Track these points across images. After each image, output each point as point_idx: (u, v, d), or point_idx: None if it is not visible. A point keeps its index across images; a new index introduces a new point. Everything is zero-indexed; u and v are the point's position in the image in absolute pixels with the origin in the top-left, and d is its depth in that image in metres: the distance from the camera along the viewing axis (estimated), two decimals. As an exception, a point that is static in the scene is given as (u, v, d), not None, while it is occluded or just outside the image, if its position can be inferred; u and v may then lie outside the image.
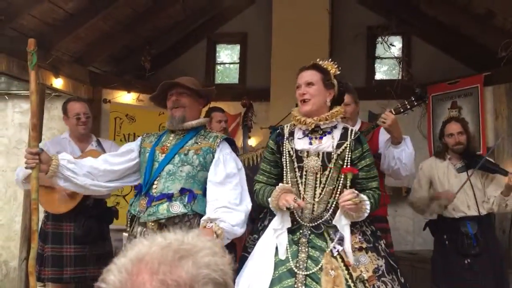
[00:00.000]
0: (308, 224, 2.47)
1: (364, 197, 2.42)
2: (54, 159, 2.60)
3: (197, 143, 2.66)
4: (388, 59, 6.33)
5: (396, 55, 6.10)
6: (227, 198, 2.47)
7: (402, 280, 2.50)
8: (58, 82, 5.13)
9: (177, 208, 2.51)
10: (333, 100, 2.60)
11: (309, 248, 2.41)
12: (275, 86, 5.61)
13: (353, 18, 6.15)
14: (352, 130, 2.56)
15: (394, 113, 2.96)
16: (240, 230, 2.48)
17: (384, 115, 2.96)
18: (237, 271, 2.54)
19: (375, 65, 6.34)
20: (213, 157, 2.60)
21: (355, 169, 2.45)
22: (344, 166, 2.48)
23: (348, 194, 2.31)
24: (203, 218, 2.44)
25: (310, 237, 2.44)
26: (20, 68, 4.51)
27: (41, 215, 3.62)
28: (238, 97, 5.45)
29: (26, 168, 2.62)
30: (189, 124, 2.69)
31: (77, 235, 3.55)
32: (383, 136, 3.13)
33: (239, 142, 4.58)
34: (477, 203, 3.56)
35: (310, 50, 5.23)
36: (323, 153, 2.50)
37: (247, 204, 2.55)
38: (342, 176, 2.47)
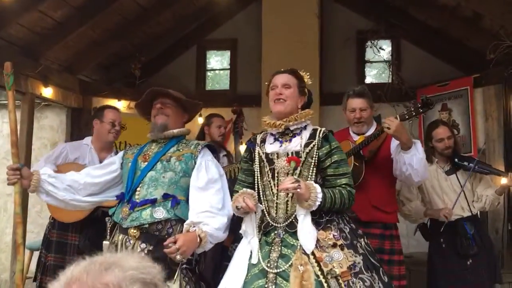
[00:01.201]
0: (282, 224, 2.49)
1: (314, 185, 2.41)
2: (35, 174, 2.64)
3: (178, 150, 2.68)
4: (378, 63, 6.36)
5: (385, 59, 6.14)
6: (209, 202, 2.49)
7: (385, 279, 2.48)
8: (47, 91, 5.10)
9: (161, 213, 2.51)
10: (302, 107, 2.67)
11: (282, 247, 2.43)
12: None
13: (342, 22, 6.18)
14: (320, 130, 2.59)
15: (399, 119, 2.95)
16: (223, 234, 2.51)
17: (388, 121, 2.95)
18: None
19: (365, 69, 6.37)
20: (195, 163, 2.61)
21: (299, 159, 2.49)
22: (313, 164, 2.50)
23: (287, 181, 2.33)
24: (186, 222, 2.44)
25: (284, 236, 2.46)
26: (9, 78, 4.46)
27: (47, 222, 3.62)
28: (229, 103, 5.43)
29: (8, 184, 2.66)
30: (170, 133, 2.71)
31: (82, 247, 3.49)
32: (395, 141, 3.09)
33: (230, 149, 4.57)
34: (468, 204, 3.59)
35: (300, 55, 5.26)
36: (292, 152, 2.53)
37: (229, 209, 2.57)
38: (311, 174, 2.49)
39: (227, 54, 6.79)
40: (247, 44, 6.35)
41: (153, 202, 2.53)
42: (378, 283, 2.40)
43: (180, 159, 2.62)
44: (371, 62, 6.33)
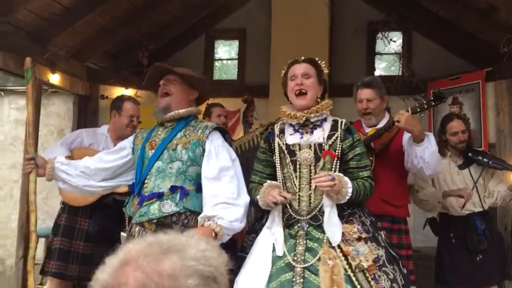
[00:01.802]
0: (306, 217, 2.45)
1: (346, 179, 2.41)
2: (49, 162, 2.66)
3: (185, 135, 2.55)
4: (388, 55, 6.29)
5: (396, 51, 6.06)
6: (224, 193, 2.38)
7: (404, 271, 2.49)
8: (54, 78, 5.06)
9: (169, 206, 2.44)
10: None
11: (307, 241, 2.40)
12: (275, 82, 5.54)
13: (353, 13, 6.10)
14: (342, 122, 2.58)
15: (410, 112, 2.90)
16: (239, 225, 2.40)
17: (398, 114, 2.90)
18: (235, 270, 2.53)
19: (375, 61, 6.30)
20: (203, 150, 2.50)
21: (334, 153, 2.47)
22: (336, 156, 2.49)
23: (322, 176, 2.32)
24: (201, 215, 2.37)
25: (308, 230, 2.44)
26: (17, 64, 4.43)
27: (52, 209, 3.61)
28: (236, 93, 5.41)
29: (24, 174, 2.80)
30: (176, 114, 2.58)
31: (90, 233, 3.49)
32: (408, 133, 3.03)
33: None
34: (480, 199, 3.54)
35: (310, 46, 5.18)
36: (314, 144, 2.51)
37: (245, 197, 2.46)
38: (334, 166, 2.48)
39: (235, 44, 6.73)
40: (256, 34, 6.28)
41: (160, 196, 2.45)
42: (400, 276, 2.39)
43: (186, 147, 2.51)
44: (382, 54, 6.26)
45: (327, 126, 2.55)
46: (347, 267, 2.30)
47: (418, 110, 2.97)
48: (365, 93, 3.23)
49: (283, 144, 2.57)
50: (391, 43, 5.93)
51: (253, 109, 4.37)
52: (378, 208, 3.07)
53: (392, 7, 5.83)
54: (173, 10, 6.00)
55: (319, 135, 2.52)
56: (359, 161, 2.53)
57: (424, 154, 2.90)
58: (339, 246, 2.36)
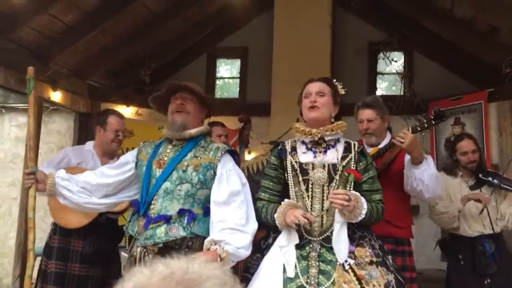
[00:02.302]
0: (317, 238, 2.41)
1: (363, 200, 2.38)
2: (50, 177, 2.57)
3: (196, 157, 2.47)
4: (389, 75, 6.30)
5: (397, 71, 6.07)
6: (232, 219, 2.31)
7: None
8: (56, 96, 5.07)
9: (176, 231, 2.35)
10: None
11: (320, 263, 2.34)
12: (276, 100, 5.57)
13: (355, 33, 6.13)
14: (355, 144, 2.56)
15: (411, 131, 2.86)
16: (245, 253, 2.33)
17: (402, 134, 2.85)
18: None
19: (377, 80, 6.31)
20: (215, 173, 2.43)
21: (359, 174, 2.45)
22: (350, 178, 2.45)
23: (339, 193, 2.29)
24: (207, 239, 2.28)
25: (321, 251, 2.38)
26: (18, 81, 4.44)
27: (49, 228, 3.55)
28: (238, 111, 5.38)
29: (25, 188, 2.68)
30: (188, 133, 2.50)
31: (85, 254, 3.38)
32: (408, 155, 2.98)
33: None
34: (491, 221, 3.46)
35: (312, 65, 5.20)
36: (328, 164, 2.47)
37: (254, 224, 2.38)
38: (348, 188, 2.43)
39: (237, 62, 6.76)
40: (258, 52, 6.31)
41: (168, 219, 2.37)
42: None
43: (197, 169, 2.42)
44: (383, 73, 6.27)
45: (340, 147, 2.52)
46: None
47: (419, 129, 2.93)
48: (366, 114, 3.20)
49: (295, 162, 2.52)
50: (393, 63, 5.94)
51: (249, 129, 4.32)
52: (381, 229, 3.01)
53: (393, 28, 5.86)
54: (175, 28, 6.03)
55: (333, 156, 2.49)
56: (372, 184, 2.51)
57: (423, 176, 2.86)
58: (352, 269, 2.31)
